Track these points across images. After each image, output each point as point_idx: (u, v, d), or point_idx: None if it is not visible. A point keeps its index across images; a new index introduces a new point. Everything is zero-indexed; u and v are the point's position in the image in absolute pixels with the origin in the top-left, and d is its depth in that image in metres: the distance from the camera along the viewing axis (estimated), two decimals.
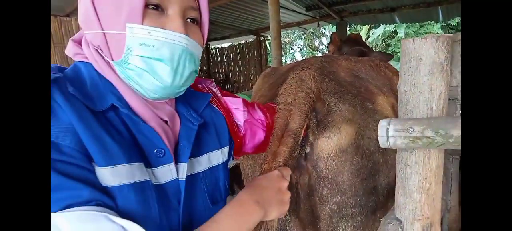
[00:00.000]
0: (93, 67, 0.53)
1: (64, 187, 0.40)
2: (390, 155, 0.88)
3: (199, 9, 0.56)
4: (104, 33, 0.50)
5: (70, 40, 0.56)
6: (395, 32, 13.05)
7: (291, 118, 0.76)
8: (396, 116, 0.81)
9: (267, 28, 8.84)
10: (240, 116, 0.73)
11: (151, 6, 0.49)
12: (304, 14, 7.33)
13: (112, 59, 0.51)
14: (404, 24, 10.98)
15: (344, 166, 0.86)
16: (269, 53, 11.27)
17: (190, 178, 0.57)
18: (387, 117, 0.90)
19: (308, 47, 15.63)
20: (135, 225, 0.42)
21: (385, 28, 12.70)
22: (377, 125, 0.66)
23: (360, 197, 0.88)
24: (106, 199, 0.43)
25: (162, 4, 0.50)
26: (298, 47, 16.29)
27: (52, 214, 0.38)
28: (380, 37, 13.27)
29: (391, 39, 13.66)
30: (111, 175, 0.45)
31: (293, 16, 7.61)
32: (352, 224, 0.88)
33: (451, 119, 0.56)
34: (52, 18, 5.90)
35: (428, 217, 0.66)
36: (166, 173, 0.53)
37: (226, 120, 0.69)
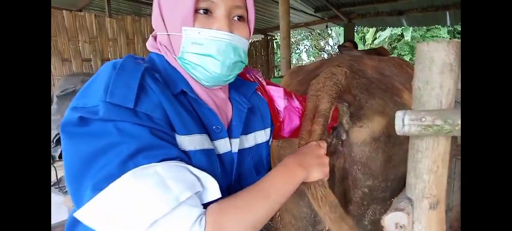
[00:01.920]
0: (164, 58, 0.65)
1: (160, 146, 0.51)
2: None
3: (245, 7, 0.65)
4: (168, 34, 0.62)
5: (151, 36, 0.68)
6: (402, 35, 13.08)
7: (319, 102, 0.87)
8: None
9: (275, 28, 8.95)
10: (280, 102, 0.84)
11: (201, 11, 0.60)
12: (313, 15, 7.43)
13: (175, 55, 0.63)
14: (411, 27, 11.02)
15: (377, 153, 0.96)
16: (276, 52, 11.37)
17: (240, 151, 0.68)
18: None
19: (314, 48, 15.70)
20: (207, 175, 0.54)
21: (391, 31, 12.74)
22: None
23: (391, 182, 0.97)
24: (186, 158, 0.55)
25: (210, 8, 0.60)
26: (304, 48, 16.36)
27: (154, 164, 0.49)
28: (386, 39, 13.31)
29: (397, 42, 13.69)
30: (189, 142, 0.57)
31: (301, 17, 7.71)
32: (382, 207, 0.98)
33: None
34: (67, 12, 6.03)
35: (435, 195, 0.76)
36: (222, 145, 0.64)
37: (269, 106, 0.80)
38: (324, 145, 0.78)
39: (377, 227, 1.00)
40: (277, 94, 0.84)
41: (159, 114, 0.54)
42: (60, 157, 4.68)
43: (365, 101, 0.98)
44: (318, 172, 0.71)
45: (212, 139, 0.62)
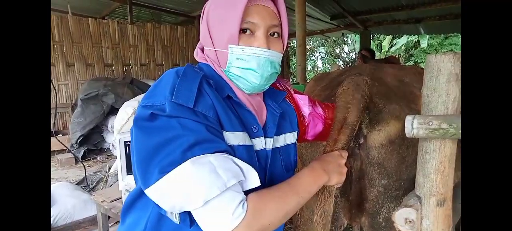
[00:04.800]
0: (211, 67, 0.76)
1: (213, 140, 0.61)
2: None
3: (280, 25, 0.74)
4: (215, 50, 0.73)
5: (197, 48, 0.79)
6: (418, 43, 12.94)
7: (349, 114, 0.95)
8: None
9: (291, 35, 9.03)
10: (305, 109, 0.95)
11: (244, 31, 0.71)
12: (329, 23, 7.49)
13: (220, 67, 0.74)
14: (428, 35, 10.88)
15: (392, 154, 1.04)
16: (291, 59, 11.44)
17: (273, 150, 0.78)
18: None
19: (329, 55, 15.70)
20: (249, 166, 0.64)
21: (408, 38, 12.61)
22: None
23: (404, 181, 1.04)
24: (231, 152, 0.65)
25: (251, 28, 0.70)
26: (320, 54, 16.38)
27: (209, 155, 0.59)
28: (403, 47, 13.18)
29: (414, 50, 13.54)
30: (234, 138, 0.67)
31: (317, 24, 7.79)
32: (395, 205, 1.04)
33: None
34: (92, 20, 6.31)
35: (442, 193, 0.83)
36: (259, 143, 0.73)
37: (296, 111, 0.90)
38: (345, 154, 0.87)
39: (390, 224, 1.07)
40: (303, 102, 0.95)
41: (212, 114, 0.65)
42: (83, 157, 4.89)
43: (383, 106, 1.05)
44: (337, 179, 0.81)
45: (250, 137, 0.72)
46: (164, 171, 0.57)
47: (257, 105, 0.78)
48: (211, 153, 0.60)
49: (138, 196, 0.76)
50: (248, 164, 0.64)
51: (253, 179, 0.64)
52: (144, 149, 0.61)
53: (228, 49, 0.70)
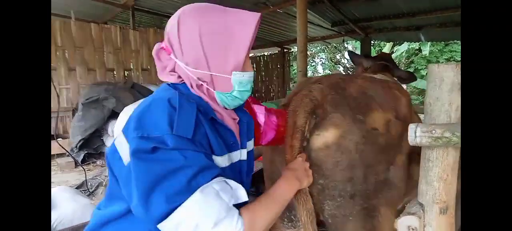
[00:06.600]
0: (188, 88, 0.77)
1: (211, 166, 0.69)
2: (367, 155, 1.09)
3: None
4: (211, 74, 0.76)
5: (166, 69, 0.78)
6: (419, 50, 12.97)
7: (297, 117, 1.06)
8: (386, 129, 1.09)
9: (292, 41, 9.06)
10: (261, 117, 1.03)
11: None
12: (330, 29, 7.52)
13: (215, 90, 0.77)
14: (428, 42, 10.92)
15: (327, 157, 1.10)
16: (291, 65, 11.48)
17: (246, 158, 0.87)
18: (374, 128, 1.10)
19: (330, 61, 15.75)
20: (238, 185, 0.71)
21: (409, 46, 12.65)
22: (360, 132, 1.04)
23: (338, 183, 1.11)
24: (222, 173, 0.71)
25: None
26: (320, 60, 16.44)
27: (211, 182, 0.66)
28: (404, 54, 13.22)
29: (414, 57, 13.57)
30: (221, 161, 0.75)
31: (318, 31, 7.82)
32: (333, 203, 1.13)
33: None
34: (95, 25, 6.34)
35: (445, 201, 0.84)
36: (237, 155, 0.83)
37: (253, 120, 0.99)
38: (305, 157, 1.00)
39: (335, 221, 1.14)
40: (259, 111, 1.03)
41: (206, 141, 0.71)
42: (83, 161, 4.89)
43: (329, 114, 1.12)
44: (306, 181, 0.94)
45: (230, 150, 0.79)
46: (172, 201, 0.62)
47: (232, 117, 0.85)
48: (211, 179, 0.66)
49: (117, 217, 0.75)
50: (235, 180, 0.73)
51: (242, 196, 0.72)
52: (146, 179, 0.63)
53: (231, 75, 0.75)
